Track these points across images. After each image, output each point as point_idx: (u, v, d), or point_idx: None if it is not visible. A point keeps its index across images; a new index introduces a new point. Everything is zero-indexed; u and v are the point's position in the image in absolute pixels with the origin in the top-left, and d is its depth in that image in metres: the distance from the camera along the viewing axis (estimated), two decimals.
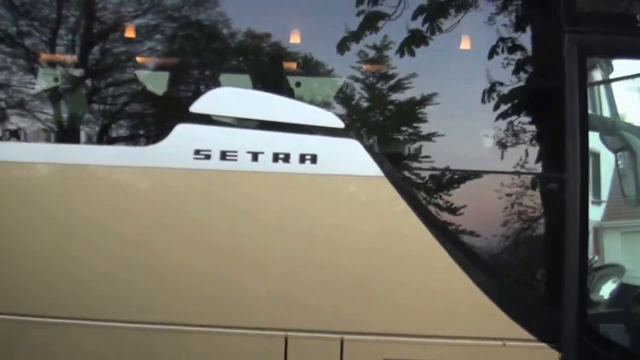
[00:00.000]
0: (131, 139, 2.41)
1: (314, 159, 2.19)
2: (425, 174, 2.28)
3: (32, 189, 2.23)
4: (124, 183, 2.23)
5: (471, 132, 2.38)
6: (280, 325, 2.13)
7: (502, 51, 2.37)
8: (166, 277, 2.19)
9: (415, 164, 2.32)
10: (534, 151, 2.36)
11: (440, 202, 2.23)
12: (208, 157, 2.19)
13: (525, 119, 2.31)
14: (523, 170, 2.29)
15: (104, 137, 2.38)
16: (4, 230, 2.22)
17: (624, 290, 2.97)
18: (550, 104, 2.33)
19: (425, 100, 2.39)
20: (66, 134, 2.43)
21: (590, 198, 2.31)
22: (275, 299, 2.15)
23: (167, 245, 2.19)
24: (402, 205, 2.17)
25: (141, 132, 2.46)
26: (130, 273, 2.19)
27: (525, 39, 2.43)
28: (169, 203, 2.21)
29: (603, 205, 4.12)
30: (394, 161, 2.25)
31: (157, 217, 2.19)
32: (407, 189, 2.21)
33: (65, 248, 2.20)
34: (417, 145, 2.36)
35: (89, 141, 2.36)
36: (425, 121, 2.40)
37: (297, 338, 2.12)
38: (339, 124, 2.24)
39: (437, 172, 2.27)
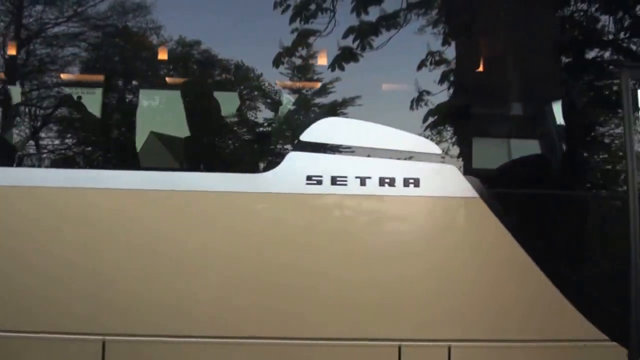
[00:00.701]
0: (247, 167, 2.56)
1: (416, 182, 2.39)
2: (517, 195, 2.51)
3: (158, 216, 2.39)
4: (243, 208, 2.40)
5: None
6: (394, 335, 2.33)
7: None
8: (286, 292, 2.36)
9: (506, 186, 2.54)
10: (605, 172, 2.61)
11: (530, 220, 2.46)
12: (320, 182, 2.37)
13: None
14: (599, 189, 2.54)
15: (221, 165, 2.53)
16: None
17: None
18: None
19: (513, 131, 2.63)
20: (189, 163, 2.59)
21: None
22: (388, 311, 2.34)
23: (282, 263, 2.36)
24: (495, 223, 2.39)
25: (256, 160, 2.61)
26: (248, 291, 2.35)
27: None
28: (282, 226, 2.39)
29: None
30: (486, 183, 2.46)
31: (273, 240, 2.37)
32: (499, 209, 2.42)
33: (180, 268, 2.36)
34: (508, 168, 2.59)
35: (209, 169, 2.52)
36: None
37: (410, 347, 2.32)
38: (438, 150, 2.45)
39: (528, 193, 2.49)
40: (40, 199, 2.35)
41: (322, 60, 2.79)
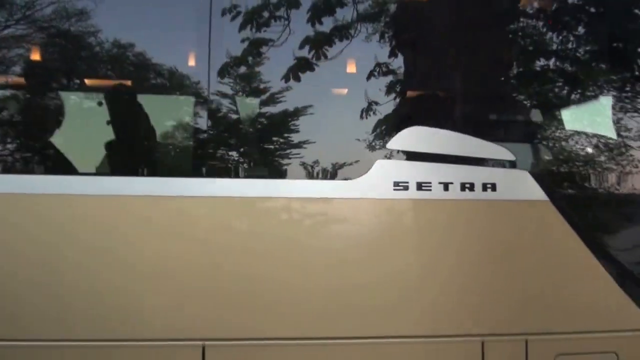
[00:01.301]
0: (335, 174, 2.67)
1: (493, 187, 2.56)
2: (586, 197, 2.71)
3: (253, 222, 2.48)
4: (335, 213, 2.52)
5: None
6: (478, 331, 2.51)
7: None
8: (387, 290, 2.51)
9: (576, 189, 2.74)
10: None
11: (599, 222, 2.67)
12: (406, 188, 2.51)
13: None
14: None
15: (313, 172, 2.63)
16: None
17: None
18: None
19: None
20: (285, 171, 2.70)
21: None
22: (471, 308, 2.52)
23: (372, 264, 2.50)
24: (565, 226, 2.59)
25: (346, 167, 2.71)
26: (346, 292, 2.49)
27: None
28: (371, 231, 2.52)
29: None
30: (557, 187, 2.65)
31: (366, 243, 2.51)
32: (569, 212, 2.62)
33: (282, 274, 2.49)
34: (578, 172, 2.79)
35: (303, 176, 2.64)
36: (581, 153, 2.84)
37: (492, 342, 2.50)
38: (512, 157, 2.62)
39: (597, 194, 2.70)
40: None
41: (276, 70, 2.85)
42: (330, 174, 2.64)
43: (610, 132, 2.86)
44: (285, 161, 2.77)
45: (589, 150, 2.86)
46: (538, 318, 2.56)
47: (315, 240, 2.48)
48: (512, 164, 2.62)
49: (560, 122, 2.94)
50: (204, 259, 2.44)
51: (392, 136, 2.55)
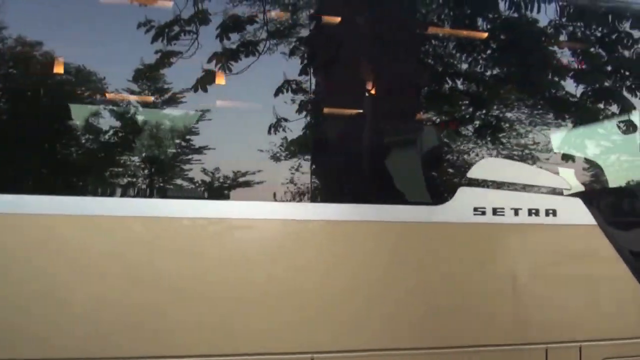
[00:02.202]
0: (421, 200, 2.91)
1: (554, 212, 2.91)
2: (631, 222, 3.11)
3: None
4: (421, 237, 2.77)
5: None
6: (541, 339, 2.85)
7: None
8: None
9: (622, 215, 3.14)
10: None
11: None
12: (484, 213, 2.80)
13: None
14: None
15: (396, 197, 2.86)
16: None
17: None
18: None
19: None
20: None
21: None
22: (536, 317, 2.86)
23: (461, 284, 2.79)
24: (610, 249, 2.97)
25: (432, 193, 2.96)
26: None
27: None
28: (454, 255, 2.81)
29: None
30: (605, 213, 3.03)
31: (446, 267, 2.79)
32: (614, 235, 3.01)
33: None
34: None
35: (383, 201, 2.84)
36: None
37: (555, 349, 2.84)
38: (567, 186, 2.98)
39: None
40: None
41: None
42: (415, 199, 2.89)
43: None
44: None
45: None
46: (594, 327, 2.94)
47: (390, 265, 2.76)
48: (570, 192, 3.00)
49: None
50: None
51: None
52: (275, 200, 2.83)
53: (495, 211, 2.83)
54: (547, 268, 2.91)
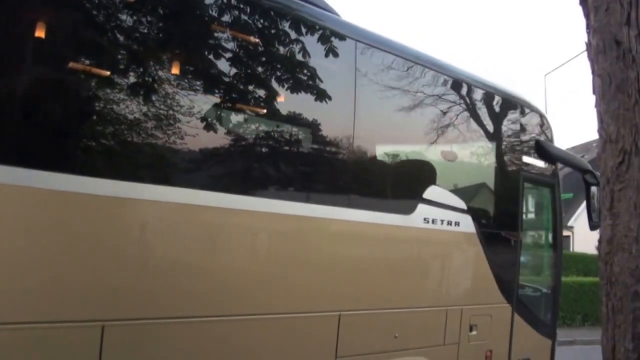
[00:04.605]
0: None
1: (457, 224, 4.51)
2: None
3: None
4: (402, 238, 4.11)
5: None
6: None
7: None
8: None
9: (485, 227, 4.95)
10: None
11: None
12: (434, 222, 4.26)
13: None
14: None
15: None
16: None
17: None
18: None
19: None
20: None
21: None
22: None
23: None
24: (480, 248, 4.74)
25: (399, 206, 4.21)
26: None
27: None
28: (409, 248, 4.21)
29: None
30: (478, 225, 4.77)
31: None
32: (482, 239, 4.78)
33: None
34: None
35: None
36: None
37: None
38: (464, 205, 4.61)
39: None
40: None
41: None
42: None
43: None
44: None
45: None
46: None
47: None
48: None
49: None
50: None
51: None
52: None
53: (434, 221, 4.33)
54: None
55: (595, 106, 1.59)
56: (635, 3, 1.35)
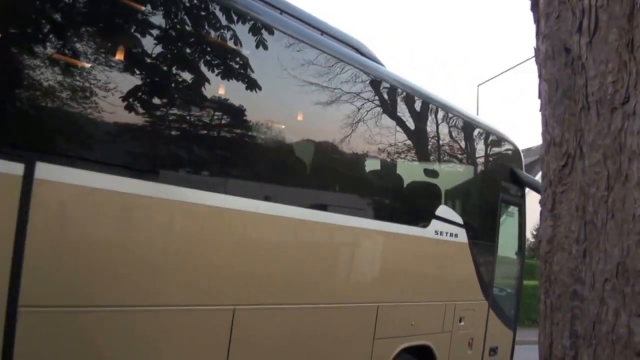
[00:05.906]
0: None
1: (456, 235, 5.59)
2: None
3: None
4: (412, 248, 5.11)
5: None
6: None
7: None
8: None
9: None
10: None
11: None
12: (441, 233, 5.28)
13: None
14: None
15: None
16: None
17: None
18: None
19: None
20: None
21: None
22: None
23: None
24: (469, 254, 5.86)
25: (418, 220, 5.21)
26: None
27: None
28: (422, 257, 5.23)
29: None
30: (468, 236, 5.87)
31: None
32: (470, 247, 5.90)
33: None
34: None
35: None
36: None
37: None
38: (460, 220, 5.69)
39: None
40: None
41: None
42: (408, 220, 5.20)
43: None
44: None
45: None
46: None
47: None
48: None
49: None
50: None
51: None
52: None
53: (442, 232, 5.38)
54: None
55: (540, 110, 1.49)
56: (587, 11, 1.26)
